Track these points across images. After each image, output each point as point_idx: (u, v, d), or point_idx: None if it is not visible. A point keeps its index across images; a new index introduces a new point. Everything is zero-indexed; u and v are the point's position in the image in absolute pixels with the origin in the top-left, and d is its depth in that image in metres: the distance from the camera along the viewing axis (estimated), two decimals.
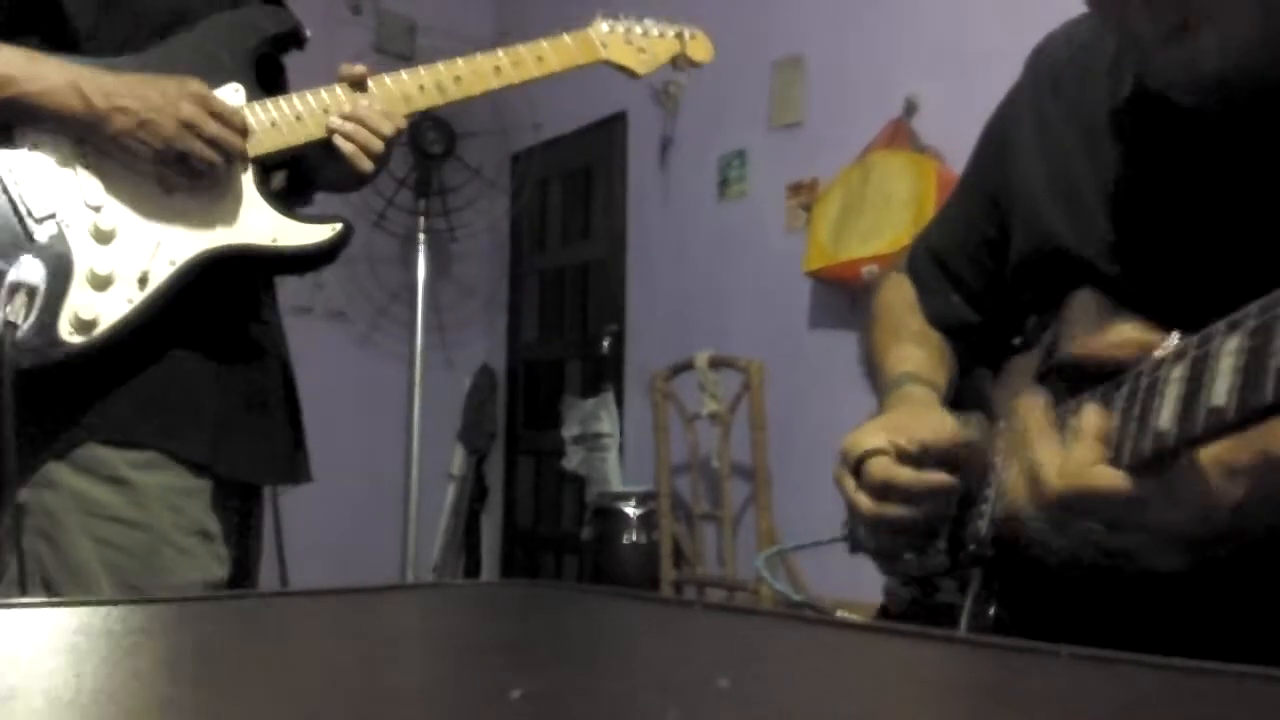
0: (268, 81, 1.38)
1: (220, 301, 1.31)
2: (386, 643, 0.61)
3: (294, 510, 1.60)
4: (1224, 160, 0.78)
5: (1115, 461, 0.66)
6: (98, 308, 1.19)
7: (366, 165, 1.35)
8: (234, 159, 1.28)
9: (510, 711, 0.39)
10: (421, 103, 1.40)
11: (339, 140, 1.33)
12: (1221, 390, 0.57)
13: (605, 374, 4.29)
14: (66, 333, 1.18)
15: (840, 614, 1.11)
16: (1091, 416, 0.68)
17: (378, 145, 1.34)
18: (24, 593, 1.19)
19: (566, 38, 1.46)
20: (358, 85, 1.36)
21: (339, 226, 1.32)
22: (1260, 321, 0.55)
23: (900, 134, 3.19)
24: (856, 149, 3.26)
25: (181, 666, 0.51)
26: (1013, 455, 0.82)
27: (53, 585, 1.21)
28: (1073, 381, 0.76)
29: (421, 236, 3.71)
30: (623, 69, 1.50)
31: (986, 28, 2.92)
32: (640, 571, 3.56)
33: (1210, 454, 0.64)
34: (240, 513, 1.37)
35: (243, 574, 1.38)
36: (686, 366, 3.54)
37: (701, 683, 0.46)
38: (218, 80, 1.30)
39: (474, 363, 4.77)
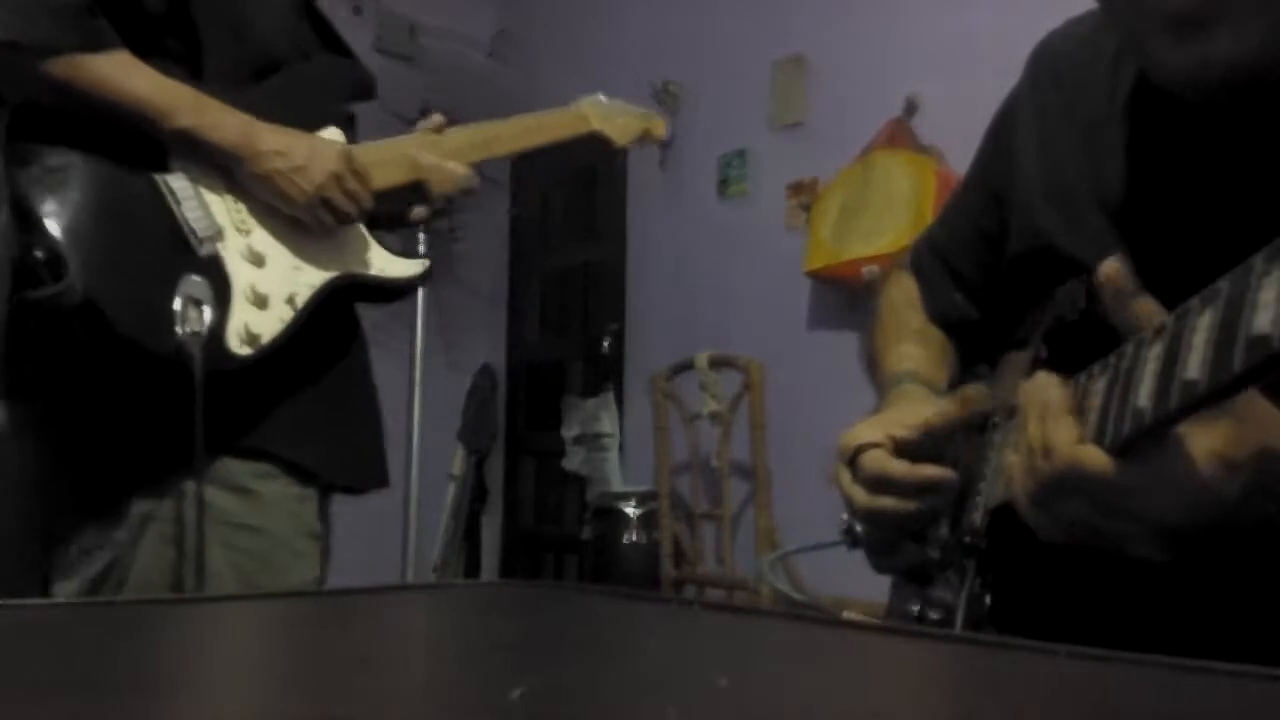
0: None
1: (326, 323, 1.40)
2: (387, 643, 0.61)
3: None
4: (1225, 157, 0.78)
5: (1099, 443, 0.65)
6: (261, 324, 1.28)
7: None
8: (364, 212, 1.39)
9: (510, 711, 0.39)
10: (472, 156, 1.57)
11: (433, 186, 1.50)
12: (1194, 364, 0.56)
13: (606, 374, 4.29)
14: (236, 345, 1.26)
15: (846, 615, 1.11)
16: (1053, 390, 0.69)
17: (450, 185, 1.51)
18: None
19: (567, 113, 1.77)
20: (437, 132, 1.54)
21: (426, 263, 1.50)
22: (1230, 294, 0.55)
23: (901, 133, 3.19)
24: (857, 148, 3.26)
25: (181, 665, 0.52)
26: (1010, 445, 0.81)
27: (181, 589, 1.27)
28: (1060, 371, 0.76)
29: (422, 236, 3.71)
30: (606, 139, 1.79)
31: (987, 27, 2.92)
32: (640, 571, 3.56)
33: (1208, 446, 0.64)
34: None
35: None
36: (687, 366, 3.54)
37: (701, 682, 0.46)
38: (320, 123, 1.42)
39: (475, 363, 4.77)
